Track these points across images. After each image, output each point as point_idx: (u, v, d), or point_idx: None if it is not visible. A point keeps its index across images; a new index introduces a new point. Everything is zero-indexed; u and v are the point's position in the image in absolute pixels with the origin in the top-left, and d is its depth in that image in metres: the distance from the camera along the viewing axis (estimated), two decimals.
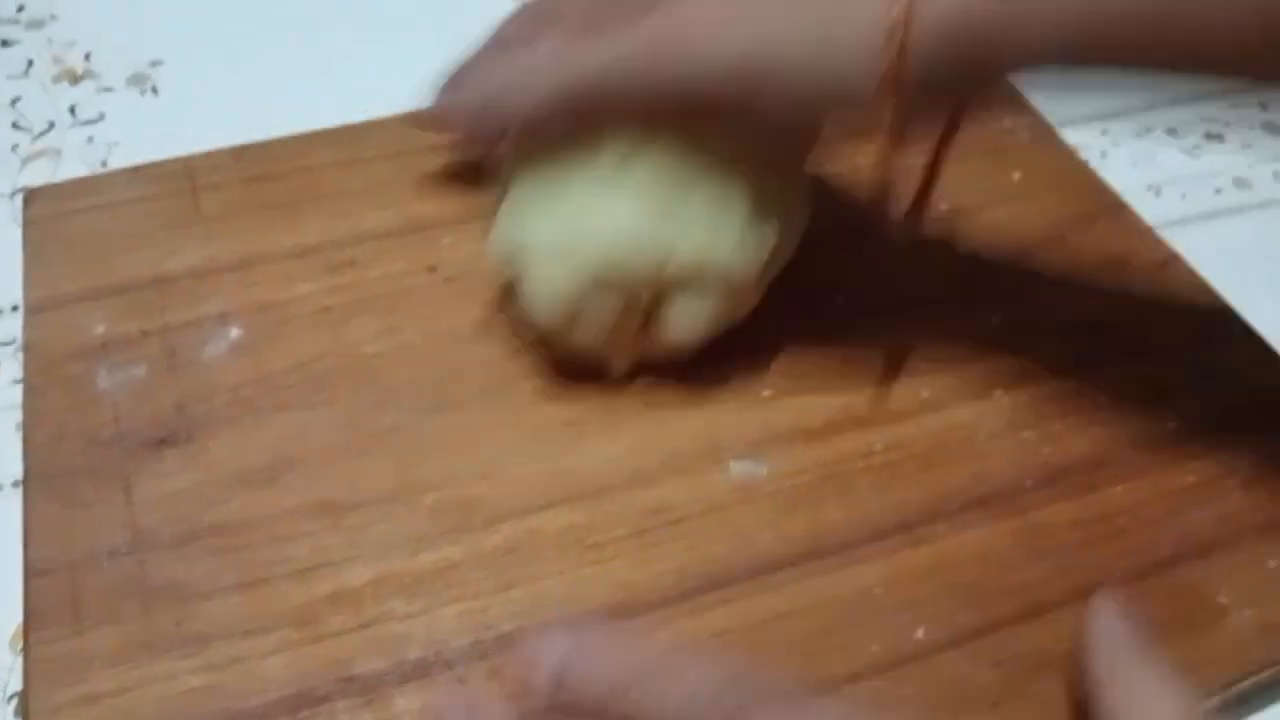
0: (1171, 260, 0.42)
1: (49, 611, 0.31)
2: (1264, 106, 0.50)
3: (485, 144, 0.38)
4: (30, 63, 0.49)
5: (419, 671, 0.30)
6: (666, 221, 0.33)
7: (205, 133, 0.44)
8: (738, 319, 0.36)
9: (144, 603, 0.31)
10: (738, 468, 0.35)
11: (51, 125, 0.46)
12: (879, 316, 0.39)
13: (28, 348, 0.37)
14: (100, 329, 0.37)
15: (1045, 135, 0.46)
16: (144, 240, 0.40)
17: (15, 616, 0.31)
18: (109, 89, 0.48)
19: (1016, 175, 0.45)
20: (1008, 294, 0.40)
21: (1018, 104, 0.47)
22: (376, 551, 0.32)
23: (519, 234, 0.35)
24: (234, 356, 0.37)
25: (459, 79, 0.38)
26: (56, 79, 0.48)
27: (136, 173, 0.42)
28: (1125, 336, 0.39)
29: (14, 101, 0.47)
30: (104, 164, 0.45)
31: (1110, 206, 0.44)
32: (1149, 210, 0.44)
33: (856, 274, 0.40)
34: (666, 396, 0.37)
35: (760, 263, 0.34)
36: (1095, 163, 0.46)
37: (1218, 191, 0.47)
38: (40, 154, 0.45)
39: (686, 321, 0.35)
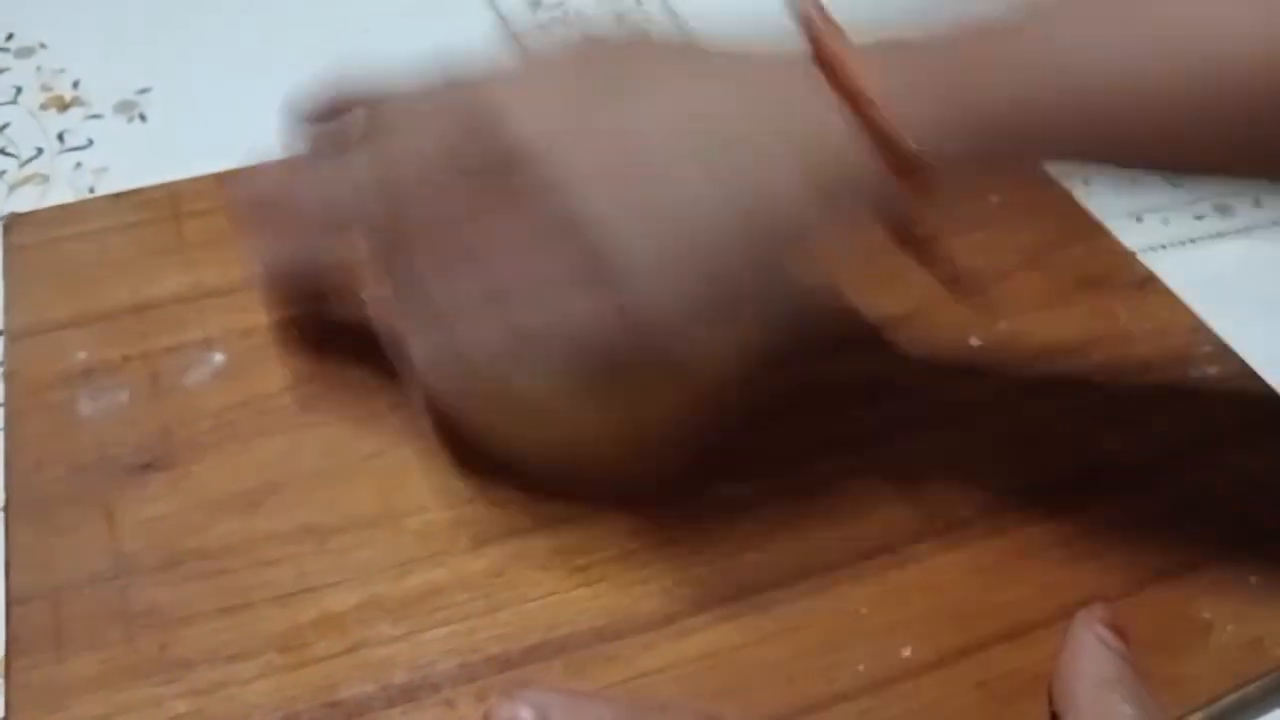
0: (1149, 282, 0.43)
1: (30, 638, 0.30)
2: None
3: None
4: (19, 89, 0.49)
5: (405, 696, 0.30)
6: None
7: (193, 159, 0.44)
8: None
9: (127, 628, 0.31)
10: (724, 489, 0.35)
11: (40, 151, 0.46)
12: (859, 341, 0.39)
13: (9, 375, 0.37)
14: (82, 355, 0.37)
15: None
16: (126, 267, 0.40)
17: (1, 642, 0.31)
18: (97, 116, 0.48)
19: (994, 199, 0.45)
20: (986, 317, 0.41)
21: None
22: (361, 575, 0.32)
23: None
24: (218, 382, 0.37)
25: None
26: (45, 106, 0.49)
27: (119, 199, 0.42)
28: (1104, 357, 0.40)
29: (2, 128, 0.47)
30: (92, 190, 0.45)
31: (1088, 229, 0.45)
32: (1131, 236, 0.44)
33: None
34: None
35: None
36: (1078, 190, 0.47)
37: (1199, 218, 0.48)
38: (28, 180, 0.45)
39: None
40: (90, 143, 0.47)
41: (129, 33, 0.53)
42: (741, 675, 0.31)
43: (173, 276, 0.39)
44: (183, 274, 0.40)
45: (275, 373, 0.37)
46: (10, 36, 0.52)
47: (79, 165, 0.46)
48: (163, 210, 0.42)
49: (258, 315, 0.38)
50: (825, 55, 0.30)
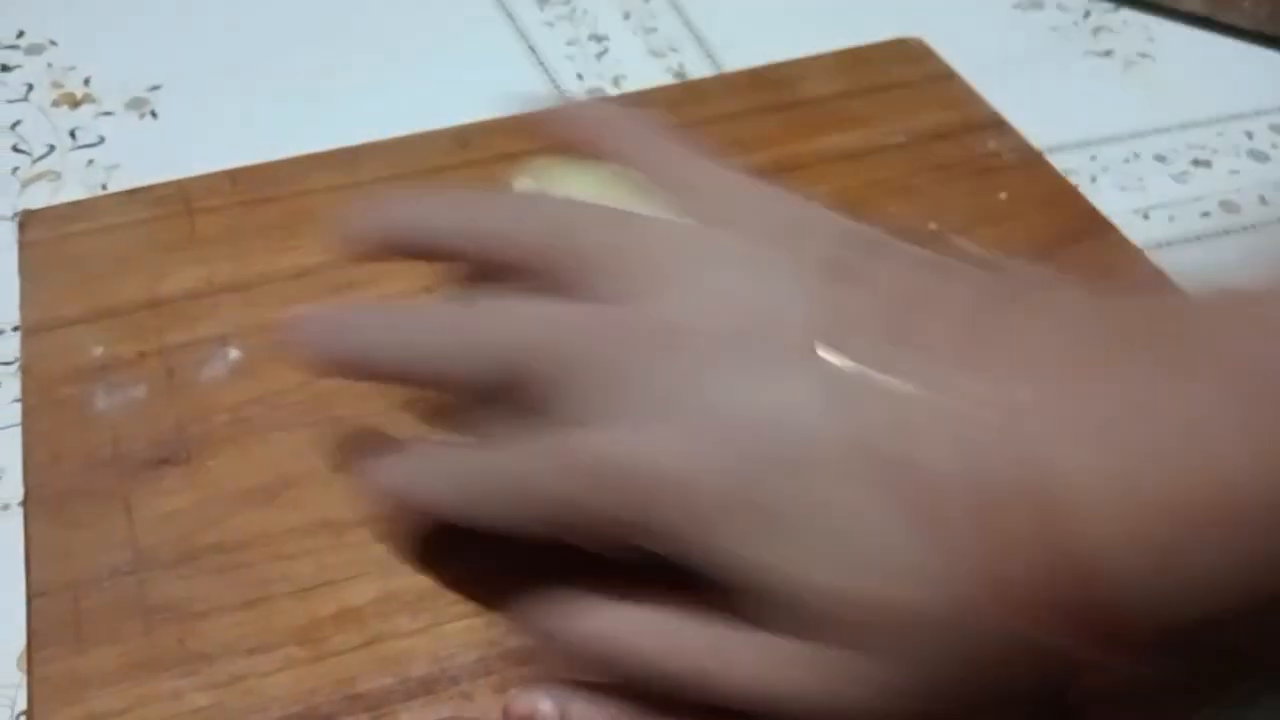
0: (1157, 278, 0.43)
1: (50, 631, 0.31)
2: (1250, 135, 0.52)
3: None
4: (30, 87, 0.49)
5: (424, 688, 0.30)
6: None
7: (204, 156, 0.44)
8: None
9: (146, 622, 0.31)
10: None
11: (51, 148, 0.47)
12: None
13: (25, 370, 0.37)
14: (97, 351, 0.37)
15: (1031, 157, 0.47)
16: (140, 263, 0.40)
17: (21, 636, 0.31)
18: (108, 113, 0.48)
19: (1003, 195, 0.45)
20: None
21: (1001, 127, 0.48)
22: (380, 568, 0.32)
23: None
24: (233, 377, 0.37)
25: None
26: (56, 103, 0.49)
27: (132, 196, 0.43)
28: None
29: (14, 125, 0.47)
30: (104, 186, 0.45)
31: (1096, 226, 0.45)
32: (1138, 233, 0.45)
33: None
34: None
35: None
36: (1085, 187, 0.47)
37: (1205, 215, 0.48)
38: (40, 176, 0.45)
39: None
40: (102, 140, 0.47)
41: (139, 30, 0.53)
42: None
43: (186, 272, 0.40)
44: (196, 270, 0.40)
45: (290, 368, 0.37)
46: (21, 34, 0.52)
47: (91, 162, 0.46)
48: (175, 206, 0.42)
49: (272, 311, 0.38)
50: None
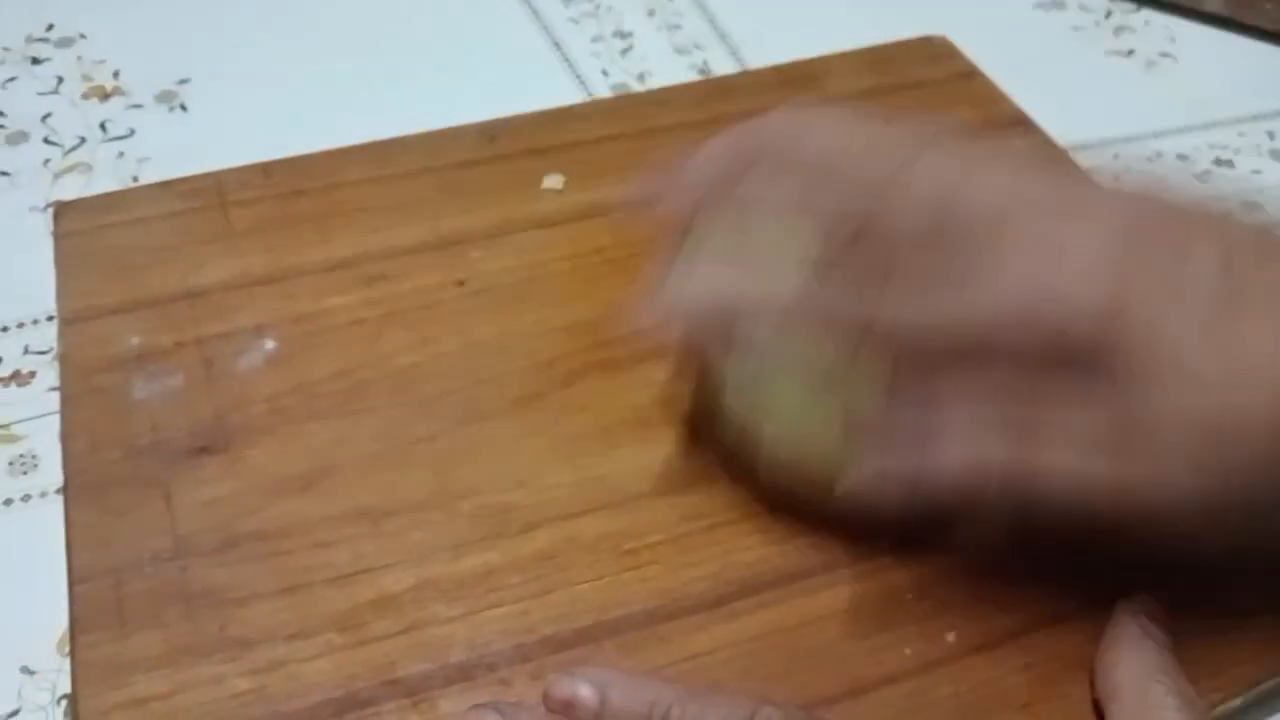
0: None
1: (93, 616, 0.31)
2: (1271, 135, 0.52)
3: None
4: (60, 79, 0.50)
5: (462, 674, 0.30)
6: None
7: (234, 149, 0.44)
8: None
9: (187, 608, 0.31)
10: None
11: (82, 140, 0.47)
12: None
13: (62, 358, 0.37)
14: (134, 340, 0.38)
15: (1056, 156, 0.48)
16: (175, 254, 0.40)
17: (61, 621, 0.31)
18: (138, 105, 0.49)
19: None
20: None
21: (1026, 125, 0.49)
22: (416, 557, 0.33)
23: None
24: (270, 367, 0.37)
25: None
26: (86, 96, 0.49)
27: (166, 187, 0.43)
28: None
29: (44, 117, 0.48)
30: (135, 179, 0.45)
31: None
32: None
33: None
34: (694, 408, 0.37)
35: None
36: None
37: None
38: (72, 169, 0.46)
39: None
40: (132, 132, 0.48)
41: (168, 24, 0.53)
42: (791, 657, 0.31)
43: (221, 264, 0.40)
44: (231, 261, 0.40)
45: (326, 359, 0.37)
46: (50, 27, 0.52)
47: (121, 154, 0.47)
48: (210, 199, 0.42)
49: (307, 302, 0.39)
50: None
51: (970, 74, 0.51)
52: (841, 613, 0.32)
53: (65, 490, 0.34)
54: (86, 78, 0.50)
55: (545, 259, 0.41)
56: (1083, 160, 0.48)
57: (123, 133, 0.48)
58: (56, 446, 0.36)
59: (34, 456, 0.37)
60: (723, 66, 0.53)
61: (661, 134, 0.46)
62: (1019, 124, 0.48)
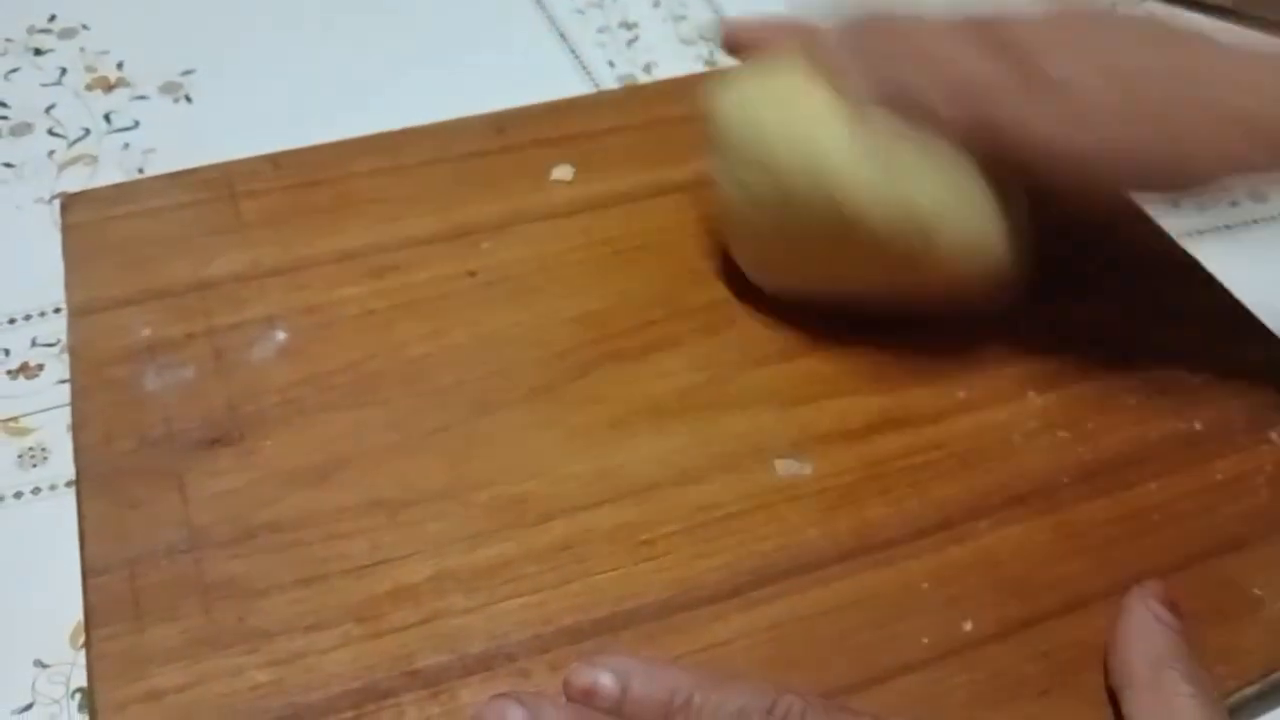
0: (1192, 267, 0.43)
1: (109, 609, 0.31)
2: None
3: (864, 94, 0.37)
4: (64, 70, 0.49)
5: (482, 665, 0.30)
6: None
7: (240, 140, 0.44)
8: (1000, 300, 0.37)
9: (204, 599, 0.31)
10: (783, 466, 0.35)
11: (87, 132, 0.47)
12: (910, 323, 0.40)
13: (73, 350, 0.37)
14: (145, 332, 0.37)
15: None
16: (185, 245, 0.40)
17: (73, 614, 0.31)
18: (143, 97, 0.49)
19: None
20: (1032, 298, 0.41)
21: None
22: (433, 547, 0.33)
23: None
24: (282, 358, 0.37)
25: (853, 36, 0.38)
26: (90, 87, 0.49)
27: (174, 179, 0.43)
28: (1150, 339, 0.40)
29: (48, 109, 0.48)
30: (140, 170, 0.45)
31: (1131, 215, 0.45)
32: (1169, 222, 0.45)
33: None
34: (707, 398, 0.37)
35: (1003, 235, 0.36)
36: None
37: (1234, 204, 0.49)
38: (77, 160, 0.46)
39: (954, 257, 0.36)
40: (137, 124, 0.48)
41: (171, 14, 0.53)
42: (808, 647, 0.31)
43: (231, 255, 0.40)
44: (241, 252, 0.40)
45: (338, 350, 0.37)
46: (53, 18, 0.52)
47: (127, 146, 0.47)
48: (219, 190, 0.42)
49: (318, 293, 0.39)
50: None
51: None
52: (858, 602, 0.32)
53: (77, 482, 0.34)
54: (90, 69, 0.50)
55: (556, 250, 0.41)
56: None
57: (127, 124, 0.47)
58: (66, 439, 0.36)
59: (44, 449, 0.37)
60: (729, 58, 0.53)
61: (670, 125, 0.46)
62: None
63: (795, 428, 0.37)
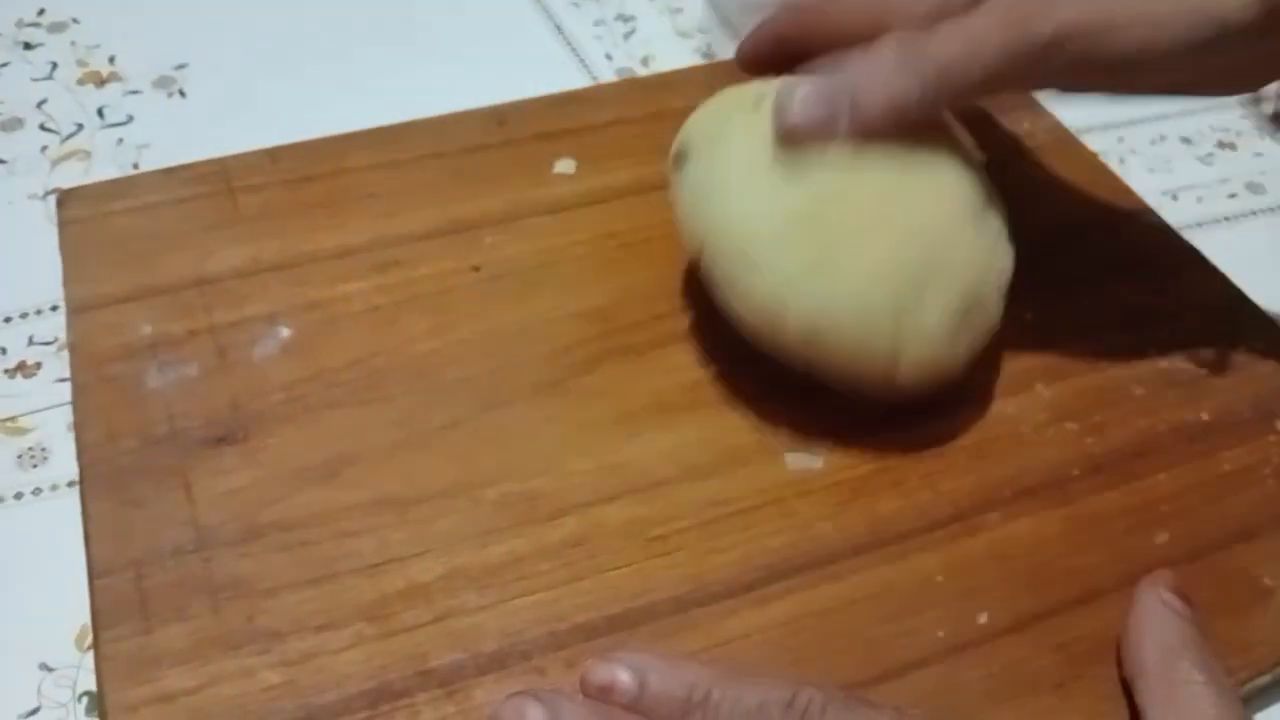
0: (1193, 258, 0.43)
1: (116, 610, 0.30)
2: (1274, 118, 0.52)
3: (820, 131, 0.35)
4: (54, 65, 0.49)
5: (496, 663, 0.30)
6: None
7: (235, 135, 0.44)
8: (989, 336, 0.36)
9: (213, 600, 0.31)
10: (793, 460, 0.35)
11: (80, 127, 0.46)
12: None
13: (73, 348, 0.36)
14: (147, 329, 0.37)
15: (1064, 138, 0.48)
16: (184, 241, 0.40)
17: (78, 616, 0.31)
18: (136, 91, 0.48)
19: (1039, 176, 0.46)
20: (1037, 291, 0.41)
21: (1034, 108, 0.49)
22: (443, 545, 0.32)
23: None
24: (286, 355, 0.36)
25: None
26: (82, 81, 0.48)
27: (171, 174, 0.42)
28: (1154, 331, 0.40)
29: (40, 104, 0.47)
30: (135, 166, 0.44)
31: (1131, 206, 0.45)
32: (1167, 213, 0.45)
33: None
34: (715, 392, 0.37)
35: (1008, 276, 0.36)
36: (1114, 169, 0.48)
37: (1232, 196, 0.49)
38: (71, 155, 0.45)
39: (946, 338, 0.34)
40: (130, 119, 0.47)
41: (162, 7, 0.52)
42: (823, 641, 0.31)
43: (232, 251, 0.39)
44: (241, 248, 0.39)
45: (342, 346, 0.37)
46: (42, 12, 0.51)
47: (121, 141, 0.46)
48: (216, 185, 0.41)
49: (320, 289, 0.38)
50: None
51: None
52: (871, 596, 0.32)
53: (81, 482, 0.33)
54: (81, 63, 0.49)
55: (559, 244, 0.41)
56: (1089, 143, 0.48)
57: (121, 119, 0.47)
58: (66, 438, 0.35)
59: (44, 449, 0.36)
60: (726, 50, 0.53)
61: (671, 117, 0.45)
62: (1028, 106, 0.48)
63: (802, 422, 0.36)
